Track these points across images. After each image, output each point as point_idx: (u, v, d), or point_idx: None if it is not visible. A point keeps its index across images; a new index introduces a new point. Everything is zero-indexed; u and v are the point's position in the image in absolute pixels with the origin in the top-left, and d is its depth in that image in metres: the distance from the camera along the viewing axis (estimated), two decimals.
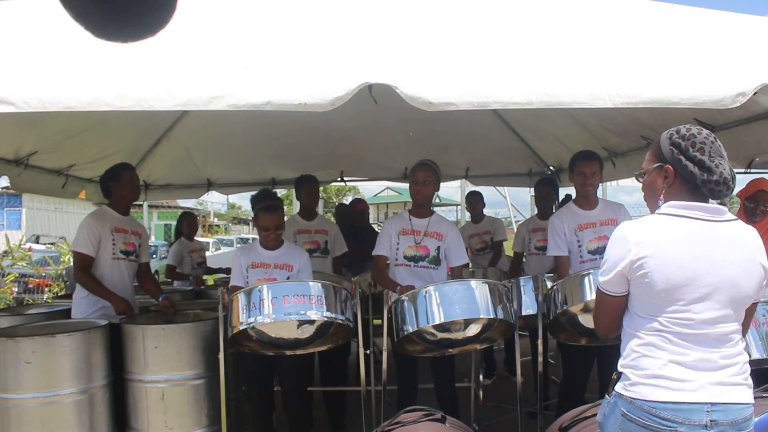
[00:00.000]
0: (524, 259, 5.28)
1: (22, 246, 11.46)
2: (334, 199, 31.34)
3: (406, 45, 2.63)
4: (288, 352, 3.41)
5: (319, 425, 4.28)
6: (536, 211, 5.40)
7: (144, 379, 3.36)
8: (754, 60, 2.60)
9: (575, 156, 3.79)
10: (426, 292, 3.17)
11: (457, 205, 22.91)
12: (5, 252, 11.05)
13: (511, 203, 19.38)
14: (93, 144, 5.11)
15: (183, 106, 2.40)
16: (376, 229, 6.37)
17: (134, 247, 3.92)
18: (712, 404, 1.74)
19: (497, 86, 2.46)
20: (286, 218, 3.85)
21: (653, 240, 1.78)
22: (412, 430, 2.64)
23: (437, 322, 3.15)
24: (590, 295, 3.17)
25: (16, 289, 9.63)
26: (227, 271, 5.55)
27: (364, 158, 6.70)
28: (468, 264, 4.78)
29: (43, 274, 10.35)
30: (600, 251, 3.62)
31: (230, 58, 2.52)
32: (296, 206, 5.56)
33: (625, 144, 5.10)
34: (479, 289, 3.21)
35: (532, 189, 5.63)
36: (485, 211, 6.41)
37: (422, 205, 3.73)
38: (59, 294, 8.91)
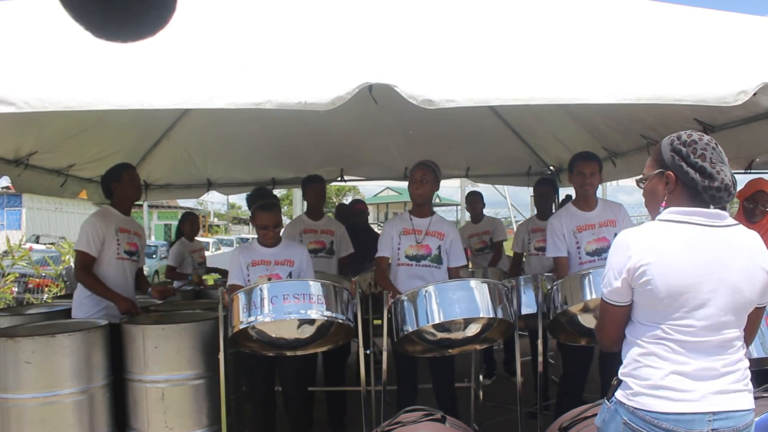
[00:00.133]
0: (524, 260, 5.29)
1: (22, 246, 11.44)
2: (334, 199, 31.31)
3: (406, 45, 2.63)
4: (288, 353, 3.41)
5: (319, 425, 4.28)
6: (536, 212, 5.40)
7: (144, 379, 3.36)
8: (755, 59, 2.60)
9: (574, 156, 3.81)
10: (425, 292, 3.17)
11: (457, 205, 22.93)
12: (5, 252, 11.03)
13: (511, 203, 19.41)
14: (93, 144, 5.11)
15: (183, 105, 2.40)
16: (376, 230, 6.38)
17: (136, 247, 3.93)
18: (714, 413, 1.74)
19: (498, 83, 2.45)
20: (286, 219, 3.86)
21: (655, 247, 1.77)
22: (412, 430, 2.63)
23: (437, 321, 3.16)
24: (590, 295, 3.17)
25: (16, 289, 9.62)
26: (224, 272, 5.53)
27: (364, 158, 6.70)
28: (467, 265, 4.78)
29: (43, 274, 10.33)
30: (599, 253, 3.62)
31: (230, 58, 2.51)
32: (296, 206, 5.56)
33: (625, 144, 5.10)
34: (479, 288, 3.21)
35: (532, 189, 5.63)
36: (485, 211, 6.40)
37: (422, 204, 3.73)
38: (59, 294, 8.91)
